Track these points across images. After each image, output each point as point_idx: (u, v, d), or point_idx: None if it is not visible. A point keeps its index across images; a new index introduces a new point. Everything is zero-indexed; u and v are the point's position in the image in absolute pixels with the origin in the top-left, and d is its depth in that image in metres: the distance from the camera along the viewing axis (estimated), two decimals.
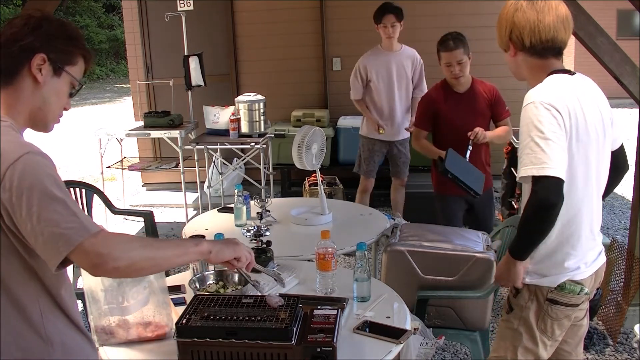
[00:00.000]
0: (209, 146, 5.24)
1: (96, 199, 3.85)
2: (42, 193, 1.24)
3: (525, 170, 1.73)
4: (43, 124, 1.45)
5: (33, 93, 1.39)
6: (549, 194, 1.70)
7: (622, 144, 2.04)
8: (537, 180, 1.72)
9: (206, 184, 5.94)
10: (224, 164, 5.88)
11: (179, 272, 2.75)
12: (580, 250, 1.88)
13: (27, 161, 1.26)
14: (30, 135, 1.52)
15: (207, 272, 2.25)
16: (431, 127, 3.51)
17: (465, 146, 3.23)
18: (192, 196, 6.07)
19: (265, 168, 5.39)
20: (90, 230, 1.27)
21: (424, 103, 3.58)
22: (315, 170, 3.24)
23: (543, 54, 1.86)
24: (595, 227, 1.96)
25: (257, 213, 2.87)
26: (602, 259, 1.99)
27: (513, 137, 3.80)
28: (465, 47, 3.35)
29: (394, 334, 1.85)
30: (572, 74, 1.87)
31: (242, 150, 5.85)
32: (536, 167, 1.71)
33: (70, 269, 1.50)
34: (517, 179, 1.82)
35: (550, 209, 1.72)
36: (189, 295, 2.15)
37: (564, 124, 1.76)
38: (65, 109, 1.48)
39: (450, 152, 3.10)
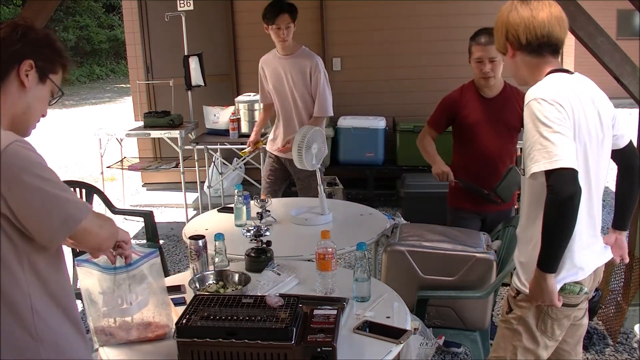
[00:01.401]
0: (209, 146, 5.24)
1: (96, 199, 3.85)
2: (39, 175, 1.32)
3: (538, 165, 1.72)
4: (24, 129, 1.49)
5: (18, 98, 1.43)
6: (565, 185, 1.68)
7: (630, 141, 2.03)
8: (550, 174, 1.70)
9: (206, 184, 5.95)
10: (224, 164, 5.88)
11: (179, 272, 2.75)
12: (581, 250, 1.88)
13: (15, 148, 1.31)
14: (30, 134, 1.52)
15: (207, 272, 2.25)
16: (443, 129, 3.22)
17: (491, 159, 3.00)
18: (192, 196, 6.07)
19: None
20: (90, 208, 1.42)
21: (443, 103, 3.24)
22: (315, 170, 3.25)
23: (540, 51, 1.86)
24: (596, 226, 1.95)
25: (257, 213, 2.87)
26: (603, 259, 1.99)
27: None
28: None
29: (394, 334, 1.85)
30: (570, 74, 1.88)
31: (242, 150, 5.85)
32: (549, 161, 1.70)
33: (70, 270, 1.50)
34: (527, 176, 1.81)
35: (569, 200, 1.68)
36: (189, 295, 2.15)
37: (568, 117, 1.76)
38: (43, 116, 1.53)
39: (513, 170, 2.84)
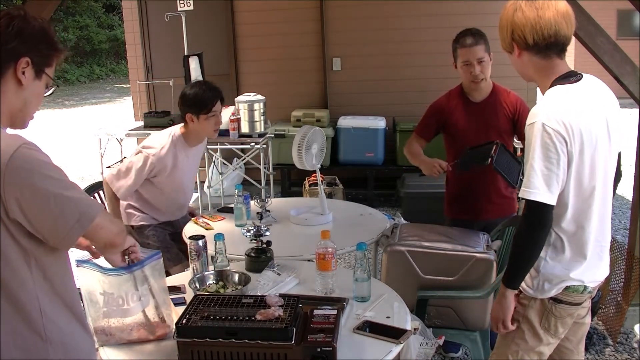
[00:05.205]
0: (208, 146, 5.23)
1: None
2: (49, 177, 1.34)
3: (522, 190, 1.79)
4: (21, 123, 1.49)
5: (15, 95, 1.42)
6: (535, 218, 1.78)
7: (619, 153, 2.01)
8: (527, 202, 1.78)
9: (206, 184, 5.94)
10: (224, 164, 5.88)
11: (179, 272, 2.74)
12: (589, 262, 1.88)
13: (23, 152, 1.31)
14: (30, 134, 1.53)
15: (207, 272, 2.26)
16: (431, 138, 3.12)
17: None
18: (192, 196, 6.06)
19: (265, 168, 5.39)
20: (100, 204, 1.47)
21: (430, 110, 3.12)
22: (315, 170, 3.24)
23: (547, 52, 1.83)
24: (606, 237, 1.93)
25: (257, 213, 2.87)
26: (605, 273, 1.99)
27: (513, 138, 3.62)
28: (487, 44, 2.88)
29: (394, 334, 1.85)
30: (578, 79, 1.84)
31: (242, 150, 5.85)
32: (528, 190, 1.76)
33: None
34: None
35: (536, 232, 1.79)
36: (189, 295, 2.15)
37: (567, 147, 1.75)
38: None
39: (501, 148, 2.73)
